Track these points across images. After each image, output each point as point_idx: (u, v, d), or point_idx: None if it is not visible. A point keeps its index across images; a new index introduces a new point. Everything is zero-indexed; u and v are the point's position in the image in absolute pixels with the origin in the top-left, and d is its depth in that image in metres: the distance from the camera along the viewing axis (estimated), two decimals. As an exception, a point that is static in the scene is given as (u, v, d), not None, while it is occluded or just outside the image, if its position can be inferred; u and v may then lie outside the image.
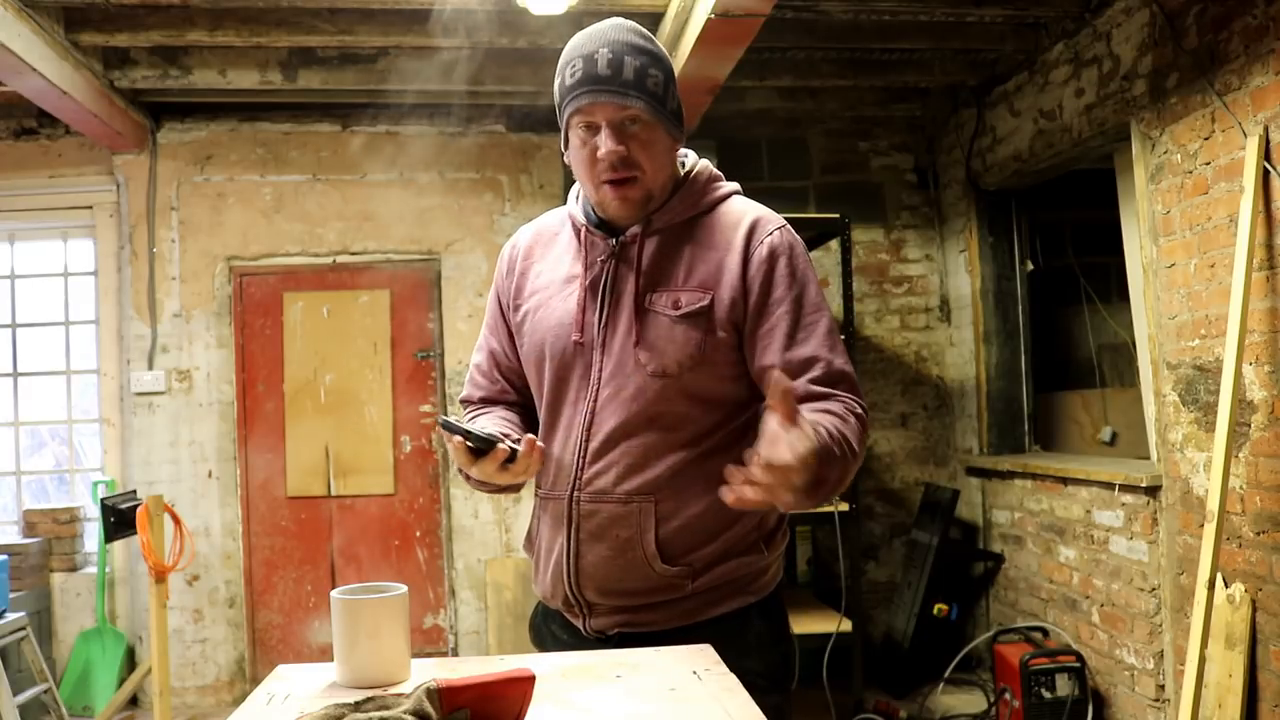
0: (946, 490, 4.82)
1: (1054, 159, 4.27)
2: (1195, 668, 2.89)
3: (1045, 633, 4.23)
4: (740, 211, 1.59)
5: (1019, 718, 3.84)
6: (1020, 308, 4.94)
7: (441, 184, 4.93)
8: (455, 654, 4.77)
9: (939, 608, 4.62)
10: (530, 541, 1.67)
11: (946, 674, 4.45)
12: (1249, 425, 3.07)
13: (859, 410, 1.46)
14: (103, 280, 4.93)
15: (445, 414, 4.84)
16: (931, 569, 4.64)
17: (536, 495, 1.64)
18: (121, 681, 4.55)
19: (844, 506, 4.02)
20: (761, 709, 1.16)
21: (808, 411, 1.39)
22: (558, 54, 1.57)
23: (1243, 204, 2.98)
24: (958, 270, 5.16)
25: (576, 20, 3.54)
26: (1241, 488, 3.09)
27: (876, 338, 5.28)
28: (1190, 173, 3.32)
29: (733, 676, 1.27)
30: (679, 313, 1.51)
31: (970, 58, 4.50)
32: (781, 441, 1.21)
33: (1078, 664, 3.86)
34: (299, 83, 4.29)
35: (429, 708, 1.03)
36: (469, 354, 1.79)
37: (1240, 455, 3.09)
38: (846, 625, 3.97)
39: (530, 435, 1.43)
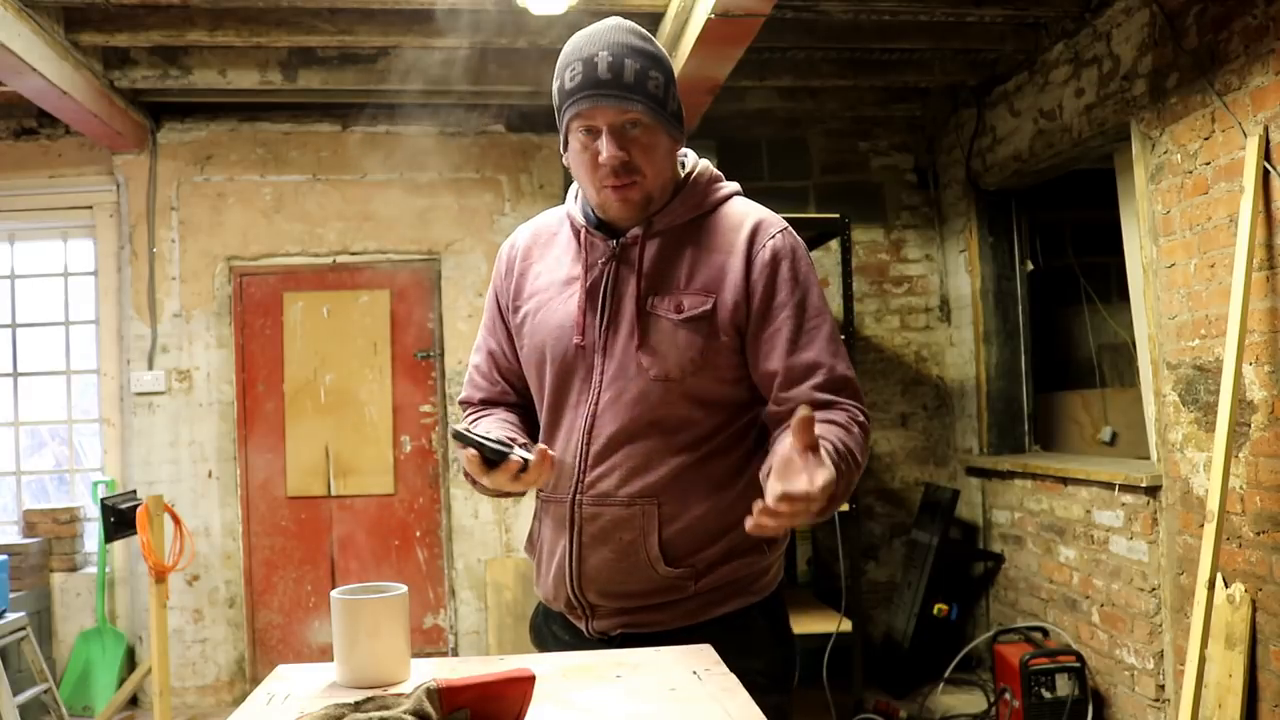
0: (946, 490, 4.82)
1: (1054, 159, 4.27)
2: (1195, 668, 2.89)
3: (1045, 633, 4.23)
4: (742, 213, 1.58)
5: (1019, 718, 3.84)
6: (1020, 308, 4.94)
7: (441, 184, 4.93)
8: (455, 654, 4.77)
9: (939, 608, 4.62)
10: (532, 544, 1.67)
11: (946, 674, 4.45)
12: (1249, 425, 3.07)
13: (861, 418, 1.47)
14: (103, 280, 4.93)
15: (445, 411, 4.85)
16: (931, 569, 4.64)
17: (538, 498, 1.64)
18: (121, 681, 4.55)
19: (844, 507, 4.02)
20: (764, 708, 1.16)
21: None
22: (558, 54, 1.55)
23: (1243, 204, 2.98)
24: (958, 270, 5.16)
25: (576, 20, 3.54)
26: (1241, 488, 3.09)
27: (876, 338, 5.28)
28: (1190, 173, 3.32)
29: (733, 676, 1.27)
30: (682, 317, 1.50)
31: (970, 58, 4.50)
32: (799, 470, 1.23)
33: (1078, 664, 3.86)
34: (299, 83, 4.29)
35: (429, 708, 1.03)
36: (469, 354, 1.78)
37: (1240, 455, 3.09)
38: (846, 625, 3.97)
39: (542, 446, 1.42)
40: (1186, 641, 3.05)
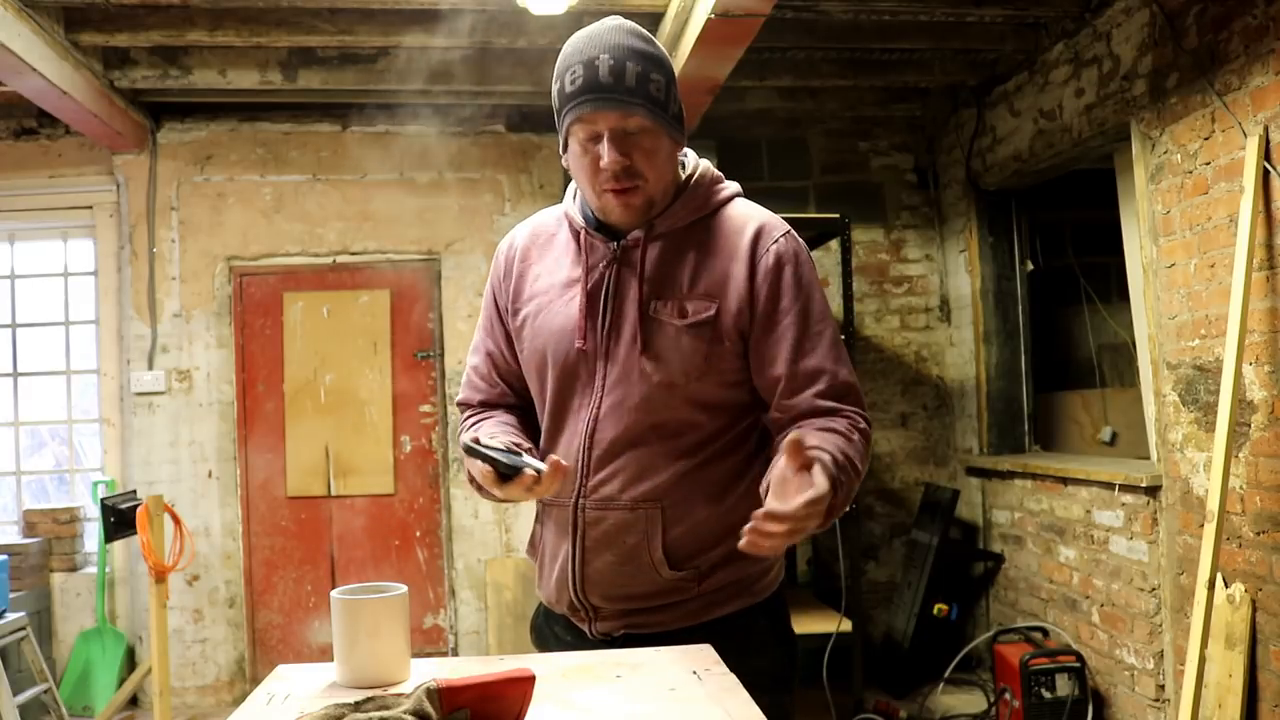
0: (946, 490, 4.82)
1: (1054, 159, 4.27)
2: (1195, 668, 2.89)
3: (1045, 633, 4.23)
4: (745, 216, 1.57)
5: (1019, 718, 3.84)
6: (1020, 308, 4.94)
7: (441, 184, 4.93)
8: (455, 654, 4.77)
9: (939, 608, 4.62)
10: (534, 547, 1.66)
11: (946, 674, 4.45)
12: (1249, 425, 3.07)
13: (863, 425, 1.47)
14: (103, 280, 4.93)
15: (445, 411, 4.85)
16: (931, 569, 4.64)
17: (540, 501, 1.63)
18: (121, 681, 4.55)
19: (844, 506, 4.02)
20: (767, 708, 1.16)
21: (814, 429, 1.41)
22: (558, 53, 1.53)
23: (1243, 204, 2.98)
24: (958, 270, 5.16)
25: (576, 20, 3.54)
26: (1241, 488, 3.09)
27: (876, 338, 5.28)
28: (1190, 173, 3.32)
29: (732, 676, 1.27)
30: (685, 322, 1.49)
31: (970, 58, 4.50)
32: (795, 490, 1.25)
33: (1078, 664, 3.86)
34: (299, 83, 4.29)
35: (429, 708, 1.03)
36: (468, 354, 1.78)
37: (1240, 455, 3.09)
38: (846, 625, 3.97)
39: (555, 457, 1.40)
40: (1186, 641, 3.05)
